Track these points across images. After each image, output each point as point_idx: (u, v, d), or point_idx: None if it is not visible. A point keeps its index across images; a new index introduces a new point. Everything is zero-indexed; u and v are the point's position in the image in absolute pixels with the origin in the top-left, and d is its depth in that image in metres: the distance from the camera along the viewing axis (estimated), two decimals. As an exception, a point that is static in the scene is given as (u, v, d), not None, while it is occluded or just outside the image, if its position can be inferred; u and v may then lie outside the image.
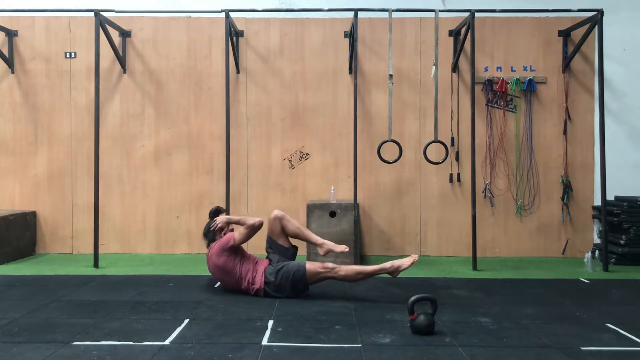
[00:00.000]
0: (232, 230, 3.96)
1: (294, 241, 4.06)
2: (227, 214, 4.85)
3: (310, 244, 4.14)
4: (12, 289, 4.00)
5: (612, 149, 5.37)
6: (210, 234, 3.93)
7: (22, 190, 5.61)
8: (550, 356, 2.67)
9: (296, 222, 4.04)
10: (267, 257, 3.94)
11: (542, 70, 5.51)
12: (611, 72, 5.44)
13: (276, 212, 3.98)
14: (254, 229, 3.76)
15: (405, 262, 3.71)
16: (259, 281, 3.73)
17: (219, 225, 3.90)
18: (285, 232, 3.97)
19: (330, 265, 3.71)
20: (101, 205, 5.22)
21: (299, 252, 4.10)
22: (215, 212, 4.05)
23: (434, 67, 4.80)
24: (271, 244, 3.98)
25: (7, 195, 5.61)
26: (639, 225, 5.06)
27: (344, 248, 3.89)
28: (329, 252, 3.95)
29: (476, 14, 4.90)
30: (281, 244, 3.95)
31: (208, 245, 3.93)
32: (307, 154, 5.59)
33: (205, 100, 5.58)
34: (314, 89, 5.57)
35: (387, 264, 3.73)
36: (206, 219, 4.12)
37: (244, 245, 3.98)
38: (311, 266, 3.73)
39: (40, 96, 5.60)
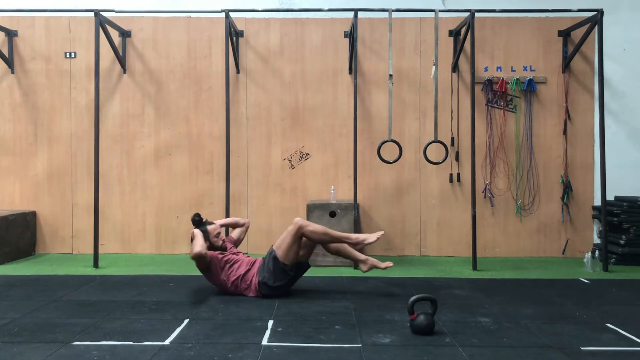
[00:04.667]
0: (218, 235, 3.92)
1: None
2: (228, 214, 4.87)
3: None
4: (12, 289, 4.00)
5: (612, 149, 5.37)
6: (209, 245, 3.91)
7: (22, 190, 5.61)
8: (550, 356, 2.67)
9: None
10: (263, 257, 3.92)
11: (542, 70, 5.51)
12: (611, 72, 5.45)
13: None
14: (197, 258, 3.66)
15: (370, 237, 3.75)
16: (255, 284, 3.73)
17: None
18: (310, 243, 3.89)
19: (298, 220, 3.68)
20: (101, 205, 5.22)
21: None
22: (199, 222, 3.94)
23: (434, 67, 4.81)
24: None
25: (7, 195, 5.62)
26: (639, 225, 5.06)
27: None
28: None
29: (476, 14, 4.90)
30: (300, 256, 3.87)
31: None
32: (307, 154, 5.59)
33: (205, 100, 5.58)
34: (314, 89, 5.57)
35: (352, 236, 3.80)
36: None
37: (244, 246, 3.97)
38: (281, 236, 3.72)
39: (40, 96, 5.60)
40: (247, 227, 4.31)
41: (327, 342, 2.83)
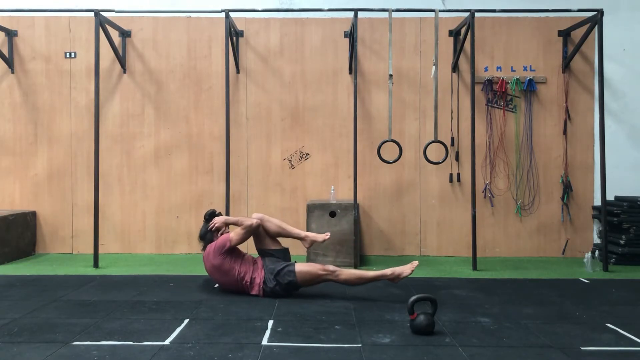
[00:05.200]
0: (228, 231, 3.95)
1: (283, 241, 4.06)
2: (228, 214, 4.87)
3: (294, 238, 4.08)
4: (12, 289, 4.00)
5: (612, 149, 5.37)
6: (208, 235, 3.90)
7: (22, 190, 5.61)
8: (550, 356, 2.67)
9: (276, 220, 4.04)
10: (262, 258, 3.93)
11: (542, 70, 5.51)
12: (611, 72, 5.45)
13: (255, 217, 3.93)
14: (251, 230, 3.78)
15: (405, 269, 3.72)
16: (258, 282, 3.73)
17: (217, 225, 3.88)
18: (269, 234, 3.95)
19: (331, 268, 3.72)
20: (101, 205, 5.22)
21: (301, 253, 4.09)
22: (210, 215, 4.00)
23: (434, 67, 4.80)
24: (262, 253, 3.95)
25: (7, 195, 5.62)
26: (639, 225, 5.05)
27: (325, 236, 3.98)
28: (313, 244, 4.04)
29: (476, 14, 4.90)
30: (271, 247, 3.92)
31: (204, 248, 3.91)
32: (307, 154, 5.59)
33: (205, 100, 5.58)
34: (314, 89, 5.57)
35: (387, 271, 3.74)
36: (206, 220, 4.11)
37: (243, 246, 3.98)
38: (308, 268, 3.74)
39: (40, 96, 5.59)
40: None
41: (327, 342, 2.83)
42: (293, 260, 3.92)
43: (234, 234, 3.76)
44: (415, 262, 3.77)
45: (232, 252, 3.78)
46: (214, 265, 3.80)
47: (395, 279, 3.74)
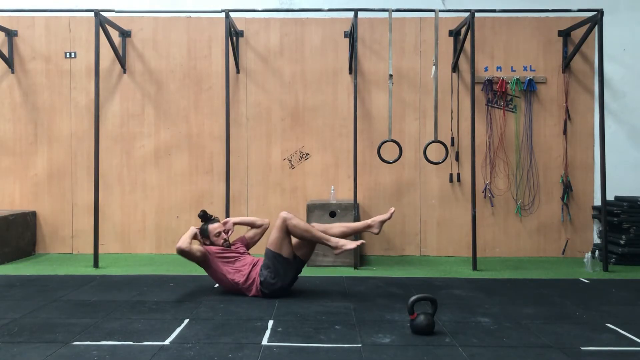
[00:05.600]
0: (218, 234, 3.91)
1: None
2: (228, 214, 4.88)
3: (363, 232, 3.96)
4: (12, 289, 4.00)
5: (612, 149, 5.37)
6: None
7: (22, 190, 5.61)
8: (550, 356, 2.67)
9: (337, 224, 3.99)
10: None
11: (542, 70, 5.51)
12: (611, 72, 5.45)
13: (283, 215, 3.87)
14: (186, 237, 3.76)
15: (349, 244, 3.63)
16: (256, 285, 3.72)
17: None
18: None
19: (283, 214, 3.68)
20: (101, 205, 5.22)
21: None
22: (201, 216, 4.01)
23: (434, 67, 4.80)
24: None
25: (7, 195, 5.62)
26: (639, 225, 5.06)
27: (391, 210, 3.85)
28: (382, 225, 3.87)
29: (476, 14, 4.90)
30: (296, 251, 3.84)
31: None
32: (307, 154, 5.59)
33: (205, 100, 5.58)
34: (314, 89, 5.57)
35: (332, 239, 3.68)
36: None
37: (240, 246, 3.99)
38: (272, 231, 3.73)
39: (40, 96, 5.60)
40: (265, 229, 4.20)
41: (327, 342, 2.83)
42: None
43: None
44: (362, 241, 3.69)
45: (209, 260, 3.77)
46: (207, 272, 3.86)
47: (336, 249, 3.66)
